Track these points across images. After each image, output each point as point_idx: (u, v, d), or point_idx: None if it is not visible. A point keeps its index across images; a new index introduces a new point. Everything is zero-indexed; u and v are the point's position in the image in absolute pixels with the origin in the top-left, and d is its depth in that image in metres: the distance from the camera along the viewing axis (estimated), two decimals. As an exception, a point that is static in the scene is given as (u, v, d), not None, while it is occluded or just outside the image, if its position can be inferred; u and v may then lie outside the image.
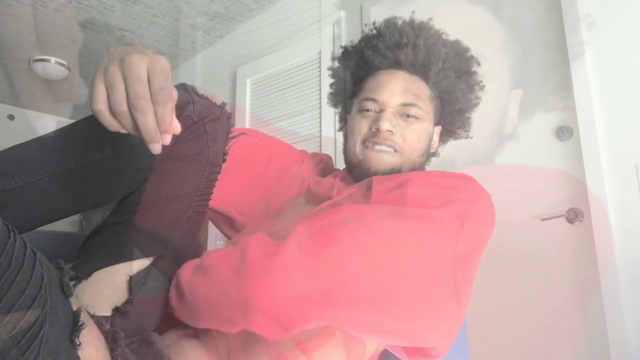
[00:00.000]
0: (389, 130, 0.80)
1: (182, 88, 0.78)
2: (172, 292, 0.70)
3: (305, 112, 2.31)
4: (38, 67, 3.18)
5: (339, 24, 2.23)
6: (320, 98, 2.23)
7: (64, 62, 3.21)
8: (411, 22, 0.89)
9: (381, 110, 0.82)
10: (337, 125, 1.04)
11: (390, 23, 0.90)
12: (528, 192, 1.52)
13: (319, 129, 2.22)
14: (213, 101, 0.82)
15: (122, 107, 0.51)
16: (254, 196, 0.92)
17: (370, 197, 0.71)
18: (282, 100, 2.43)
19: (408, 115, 0.82)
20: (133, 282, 0.71)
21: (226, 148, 0.85)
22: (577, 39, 1.48)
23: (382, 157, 0.81)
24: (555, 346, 1.39)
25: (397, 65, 0.87)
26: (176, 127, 0.54)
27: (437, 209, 0.65)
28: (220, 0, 2.57)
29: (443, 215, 0.64)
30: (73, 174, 0.71)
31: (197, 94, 0.79)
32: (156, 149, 0.53)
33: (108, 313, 0.69)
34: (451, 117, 0.92)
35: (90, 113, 0.75)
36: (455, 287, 0.61)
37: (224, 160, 0.85)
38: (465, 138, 0.97)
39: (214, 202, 0.85)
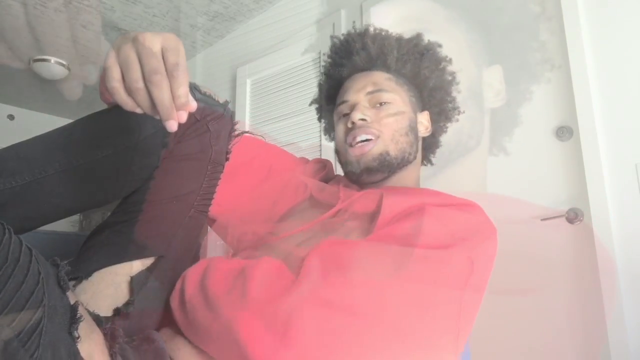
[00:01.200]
0: (362, 119, 0.82)
1: None
2: (175, 300, 0.69)
3: (305, 112, 2.30)
4: (38, 67, 3.18)
5: (339, 24, 2.23)
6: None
7: (64, 62, 3.21)
8: (355, 29, 0.95)
9: (352, 107, 0.85)
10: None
11: (338, 39, 0.96)
12: (528, 192, 1.52)
13: (319, 129, 2.22)
14: (216, 99, 0.82)
15: (138, 83, 0.51)
16: (254, 203, 0.92)
17: (378, 214, 0.70)
18: (282, 100, 2.43)
19: (380, 104, 0.84)
20: (134, 283, 0.71)
21: (229, 147, 0.85)
22: None
23: (365, 148, 0.82)
24: (555, 346, 1.39)
25: (356, 68, 0.91)
26: (192, 105, 0.53)
27: (450, 248, 0.64)
28: (220, 0, 2.57)
29: (455, 258, 0.64)
30: (74, 173, 0.71)
31: (200, 92, 0.79)
32: (172, 126, 0.52)
33: (109, 313, 0.69)
34: (432, 97, 0.93)
35: (91, 112, 0.76)
36: (457, 332, 0.62)
37: (227, 159, 0.85)
38: (458, 114, 0.98)
39: (215, 210, 0.85)
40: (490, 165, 1.64)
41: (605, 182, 1.36)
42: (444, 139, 0.99)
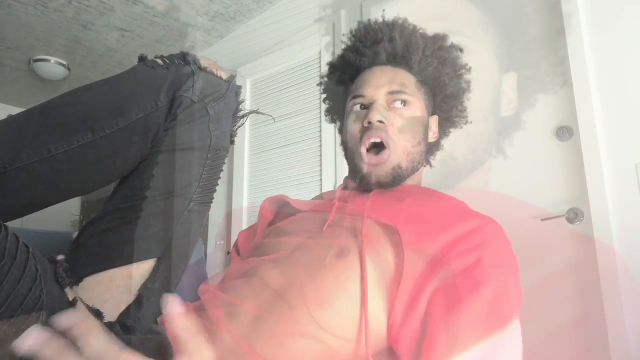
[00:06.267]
0: (379, 121, 0.78)
1: (181, 58, 0.71)
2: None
3: (305, 112, 2.31)
4: (38, 67, 3.18)
5: (339, 24, 2.23)
6: (320, 98, 2.23)
7: (64, 62, 3.21)
8: (384, 20, 0.89)
9: (370, 104, 0.81)
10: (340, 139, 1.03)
11: (364, 24, 0.91)
12: (528, 192, 1.52)
13: (319, 128, 2.22)
14: (218, 74, 0.74)
15: None
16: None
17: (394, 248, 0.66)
18: (282, 100, 2.43)
19: (397, 102, 0.80)
20: (141, 293, 0.69)
21: (234, 129, 0.78)
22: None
23: (380, 159, 0.77)
24: (555, 346, 1.39)
25: (378, 61, 0.86)
26: None
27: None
28: (220, 0, 2.57)
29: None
30: (53, 161, 0.65)
31: (200, 67, 0.71)
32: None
33: (111, 318, 0.67)
34: (444, 103, 0.91)
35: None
36: None
37: (232, 142, 0.78)
38: (465, 124, 0.96)
39: None
40: (490, 164, 1.64)
41: (605, 182, 1.36)
42: (460, 155, 0.98)
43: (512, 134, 1.61)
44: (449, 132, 0.96)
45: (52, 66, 3.18)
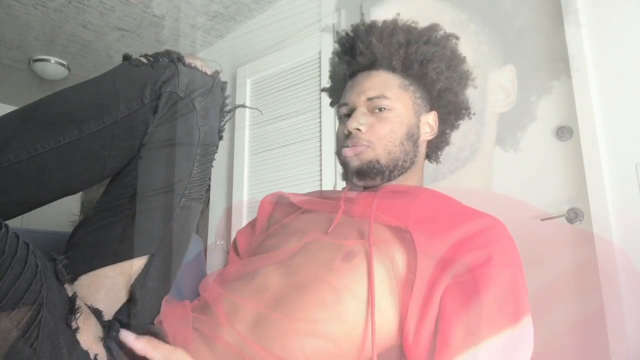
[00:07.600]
0: (357, 129, 0.81)
1: (166, 56, 0.72)
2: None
3: (305, 112, 2.31)
4: (38, 67, 3.18)
5: (339, 24, 2.23)
6: (320, 98, 2.23)
7: (64, 62, 3.21)
8: (363, 24, 0.90)
9: (352, 111, 0.83)
10: None
11: (345, 32, 0.92)
12: (528, 192, 1.52)
13: (319, 129, 2.22)
14: (203, 70, 0.74)
15: None
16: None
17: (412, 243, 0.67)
18: (282, 100, 2.43)
19: (378, 109, 0.82)
20: (134, 289, 0.68)
21: (221, 124, 0.79)
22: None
23: (357, 150, 0.81)
24: (555, 346, 1.39)
25: (360, 67, 0.87)
26: None
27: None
28: (220, 0, 2.57)
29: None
30: (41, 160, 0.66)
31: (184, 64, 0.72)
32: None
33: (107, 317, 0.68)
34: (440, 98, 0.89)
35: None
36: None
37: (221, 138, 0.79)
38: (468, 116, 0.94)
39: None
40: (490, 165, 1.64)
41: (605, 182, 1.36)
42: (453, 147, 0.97)
43: (512, 135, 1.61)
44: (458, 124, 0.95)
45: (52, 66, 3.18)
